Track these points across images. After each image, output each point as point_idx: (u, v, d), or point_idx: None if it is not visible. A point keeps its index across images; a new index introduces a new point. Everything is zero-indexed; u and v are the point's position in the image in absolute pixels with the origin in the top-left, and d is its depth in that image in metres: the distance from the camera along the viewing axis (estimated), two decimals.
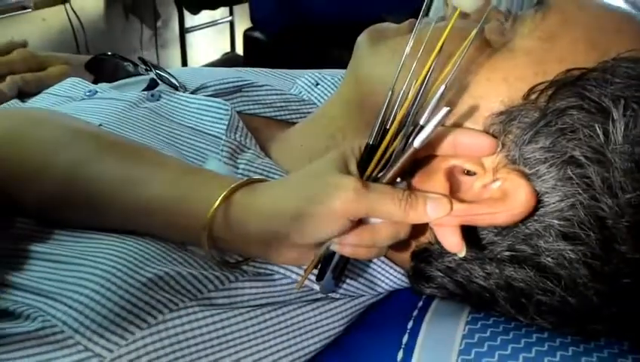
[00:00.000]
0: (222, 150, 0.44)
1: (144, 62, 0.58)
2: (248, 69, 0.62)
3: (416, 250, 0.40)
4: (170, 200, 0.37)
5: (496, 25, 0.38)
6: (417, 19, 0.37)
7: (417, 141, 0.33)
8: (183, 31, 2.20)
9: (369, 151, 0.35)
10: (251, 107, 0.53)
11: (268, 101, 0.53)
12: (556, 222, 0.33)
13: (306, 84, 0.56)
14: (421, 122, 0.34)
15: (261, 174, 0.43)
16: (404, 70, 0.36)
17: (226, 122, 0.46)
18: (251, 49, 1.74)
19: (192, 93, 0.54)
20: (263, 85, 0.54)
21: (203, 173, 0.39)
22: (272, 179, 0.41)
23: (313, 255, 0.37)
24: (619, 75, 0.33)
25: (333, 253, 0.37)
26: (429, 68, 0.34)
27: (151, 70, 0.57)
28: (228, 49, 2.37)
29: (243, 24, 2.03)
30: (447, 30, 0.33)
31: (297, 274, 0.39)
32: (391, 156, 0.35)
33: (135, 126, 0.49)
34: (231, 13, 2.34)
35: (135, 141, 0.45)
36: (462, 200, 0.35)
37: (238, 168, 0.43)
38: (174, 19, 2.24)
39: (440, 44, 0.33)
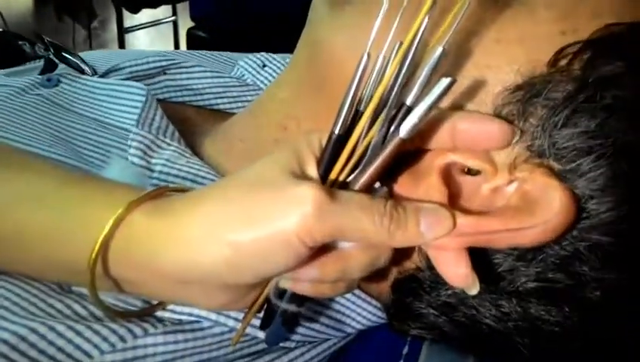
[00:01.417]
0: (130, 146, 0.32)
1: (42, 39, 0.46)
2: (179, 50, 0.50)
3: (399, 278, 0.29)
4: (42, 224, 0.25)
5: None
6: None
7: (404, 129, 0.23)
8: (122, 31, 2.05)
9: (334, 145, 0.24)
10: (178, 93, 0.41)
11: (200, 86, 0.42)
12: (606, 239, 0.23)
13: (251, 66, 0.44)
14: (408, 102, 0.24)
15: (185, 179, 0.31)
16: (382, 32, 0.25)
17: (140, 110, 0.34)
18: (196, 49, 1.62)
19: (101, 76, 0.42)
20: (193, 66, 0.42)
21: (92, 182, 0.27)
22: (197, 187, 0.29)
23: (253, 296, 0.26)
24: None
25: (284, 291, 0.26)
26: (420, 24, 0.23)
27: (49, 49, 0.44)
28: (171, 49, 2.23)
29: (187, 23, 1.91)
30: None
31: (235, 319, 0.28)
32: (366, 151, 0.24)
33: (18, 117, 0.37)
34: (174, 12, 2.20)
35: None
36: (467, 211, 0.24)
37: (153, 171, 0.31)
38: (113, 18, 2.09)
39: None
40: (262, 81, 0.44)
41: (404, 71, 0.24)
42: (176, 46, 2.23)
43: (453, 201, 0.25)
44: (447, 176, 0.26)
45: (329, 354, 0.32)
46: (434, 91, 0.22)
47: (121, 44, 2.06)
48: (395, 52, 0.24)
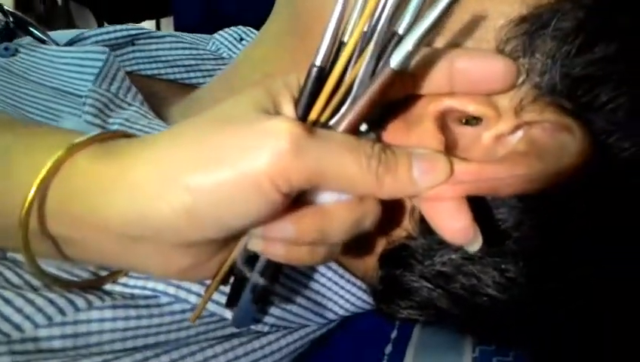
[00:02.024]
0: (84, 103, 0.28)
1: (1, 9, 0.42)
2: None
3: (388, 249, 0.26)
4: None
5: None
6: None
7: (396, 58, 0.20)
8: None
9: (315, 80, 0.21)
10: (147, 66, 0.38)
11: (171, 57, 0.39)
12: (631, 179, 0.20)
13: (227, 39, 0.41)
14: (400, 30, 0.20)
15: None
16: None
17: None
18: None
19: (64, 46, 0.39)
20: (164, 36, 0.39)
21: (35, 127, 0.23)
22: None
23: (219, 261, 0.22)
24: None
25: (255, 257, 0.22)
26: None
27: (8, 18, 0.41)
28: None
29: None
30: None
31: (198, 295, 0.24)
32: (351, 88, 0.21)
33: None
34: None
35: None
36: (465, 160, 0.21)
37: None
38: None
39: None
40: (238, 55, 0.41)
41: None
42: None
43: (449, 154, 0.22)
44: (442, 126, 0.22)
45: (308, 342, 0.28)
46: (432, 12, 0.19)
47: None
48: None
